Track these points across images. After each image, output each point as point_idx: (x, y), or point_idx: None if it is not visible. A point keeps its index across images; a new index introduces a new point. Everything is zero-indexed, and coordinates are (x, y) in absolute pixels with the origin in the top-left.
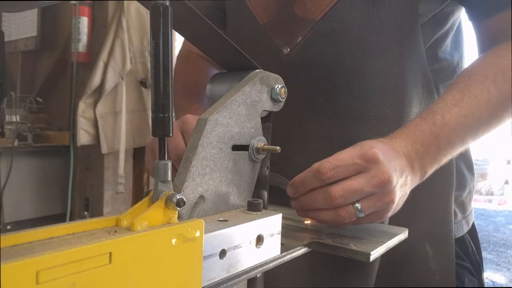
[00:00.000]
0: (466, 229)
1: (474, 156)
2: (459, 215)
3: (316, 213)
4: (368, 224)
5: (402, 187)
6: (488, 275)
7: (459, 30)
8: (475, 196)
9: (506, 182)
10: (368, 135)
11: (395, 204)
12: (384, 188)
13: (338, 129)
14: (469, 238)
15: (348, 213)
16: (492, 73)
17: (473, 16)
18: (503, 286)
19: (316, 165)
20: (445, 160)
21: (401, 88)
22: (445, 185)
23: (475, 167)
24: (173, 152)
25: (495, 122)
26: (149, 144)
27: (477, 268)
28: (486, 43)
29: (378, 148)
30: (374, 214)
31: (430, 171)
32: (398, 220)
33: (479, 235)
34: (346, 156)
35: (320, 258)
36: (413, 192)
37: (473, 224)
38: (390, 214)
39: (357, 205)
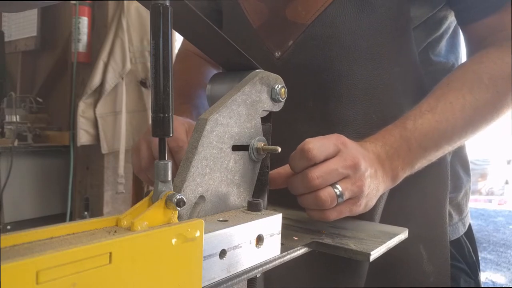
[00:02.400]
0: (462, 231)
1: (474, 156)
2: (455, 217)
3: (299, 198)
4: (347, 215)
5: (372, 178)
6: (488, 275)
7: (455, 33)
8: (475, 196)
9: (506, 182)
10: (355, 139)
11: (366, 191)
12: (356, 170)
13: (326, 132)
14: (465, 239)
15: (329, 195)
16: (470, 80)
17: (461, 20)
18: (503, 286)
19: (300, 146)
20: (419, 164)
21: (388, 93)
22: (439, 187)
23: (475, 167)
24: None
25: (471, 128)
26: (135, 144)
27: (474, 270)
28: (474, 47)
29: (346, 137)
30: (350, 201)
31: (402, 174)
32: (392, 221)
33: (479, 235)
34: (324, 138)
35: (310, 258)
36: (407, 194)
37: (469, 225)
38: (363, 203)
39: (337, 186)
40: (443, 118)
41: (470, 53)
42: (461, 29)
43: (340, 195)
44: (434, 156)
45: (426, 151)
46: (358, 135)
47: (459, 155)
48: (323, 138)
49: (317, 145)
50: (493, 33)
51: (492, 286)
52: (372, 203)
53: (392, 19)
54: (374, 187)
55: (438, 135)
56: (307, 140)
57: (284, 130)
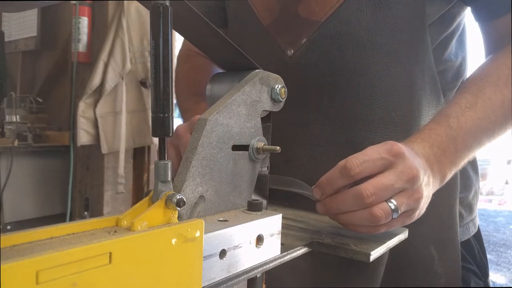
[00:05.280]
0: (473, 231)
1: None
2: (467, 217)
3: (348, 216)
4: (398, 227)
5: (426, 186)
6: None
7: (463, 31)
8: None
9: (506, 182)
10: (374, 138)
11: (423, 201)
12: (414, 183)
13: (343, 132)
14: (474, 241)
15: (384, 212)
16: (505, 75)
17: (480, 17)
18: (503, 286)
19: (342, 162)
20: (462, 163)
21: (407, 91)
22: (450, 187)
23: None
24: None
25: (510, 124)
26: (170, 141)
27: (483, 271)
28: (494, 44)
29: (402, 145)
30: (404, 214)
31: (449, 175)
32: None
33: None
34: (372, 151)
35: (323, 260)
36: None
37: (477, 226)
38: (417, 214)
39: (392, 201)
40: (484, 115)
41: (490, 50)
42: (480, 26)
43: (395, 210)
44: (475, 154)
45: (470, 149)
46: (377, 135)
47: None
48: (369, 150)
49: (360, 161)
50: None
51: (492, 286)
52: (423, 211)
53: (408, 15)
54: (427, 194)
55: (481, 132)
56: (350, 156)
57: (299, 130)
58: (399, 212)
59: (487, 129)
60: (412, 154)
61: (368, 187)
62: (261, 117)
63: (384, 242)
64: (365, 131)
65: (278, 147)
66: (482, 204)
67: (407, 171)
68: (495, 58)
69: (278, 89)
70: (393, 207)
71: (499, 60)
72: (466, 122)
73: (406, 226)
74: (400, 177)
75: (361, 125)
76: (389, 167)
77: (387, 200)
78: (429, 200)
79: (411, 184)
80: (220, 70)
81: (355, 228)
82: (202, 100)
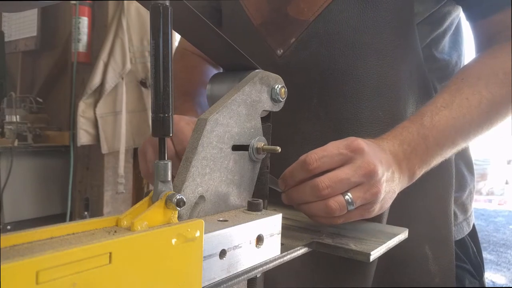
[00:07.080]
0: (467, 230)
1: (474, 156)
2: (460, 217)
3: (307, 206)
4: (357, 219)
5: (388, 182)
6: (488, 275)
7: (458, 29)
8: (475, 196)
9: (506, 182)
10: (361, 137)
11: (381, 196)
12: (371, 178)
13: (332, 131)
14: (469, 240)
15: (339, 204)
16: (485, 75)
17: (470, 16)
18: (503, 286)
19: (303, 157)
20: (435, 162)
21: (394, 90)
22: (444, 187)
23: (475, 167)
24: None
25: (487, 124)
26: (141, 148)
27: (478, 270)
28: (483, 43)
29: (363, 141)
30: (362, 207)
31: (419, 173)
32: (397, 222)
33: (479, 235)
34: (332, 147)
35: (316, 259)
36: (412, 194)
37: (473, 225)
38: (377, 208)
39: (348, 194)
40: (460, 115)
41: (479, 50)
42: (470, 26)
43: (351, 203)
44: (449, 153)
45: (442, 148)
46: (365, 133)
47: (463, 154)
48: (329, 146)
49: (319, 156)
50: (504, 29)
51: (492, 286)
52: (387, 205)
53: (396, 14)
54: (390, 190)
55: (455, 132)
56: (311, 152)
57: (288, 130)
58: (355, 205)
59: (462, 129)
60: (374, 150)
61: (324, 180)
62: (261, 117)
63: (384, 242)
64: (352, 130)
65: (278, 147)
66: (482, 204)
67: (364, 166)
68: (479, 58)
69: (278, 89)
70: (349, 200)
71: (482, 60)
72: (440, 120)
73: (402, 226)
74: (356, 171)
75: (349, 124)
76: (348, 162)
77: (344, 193)
78: (393, 196)
79: (367, 178)
80: (214, 71)
81: (315, 218)
82: (189, 100)
